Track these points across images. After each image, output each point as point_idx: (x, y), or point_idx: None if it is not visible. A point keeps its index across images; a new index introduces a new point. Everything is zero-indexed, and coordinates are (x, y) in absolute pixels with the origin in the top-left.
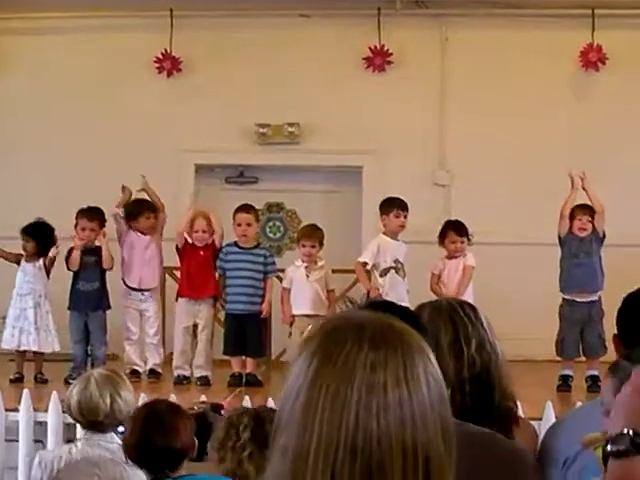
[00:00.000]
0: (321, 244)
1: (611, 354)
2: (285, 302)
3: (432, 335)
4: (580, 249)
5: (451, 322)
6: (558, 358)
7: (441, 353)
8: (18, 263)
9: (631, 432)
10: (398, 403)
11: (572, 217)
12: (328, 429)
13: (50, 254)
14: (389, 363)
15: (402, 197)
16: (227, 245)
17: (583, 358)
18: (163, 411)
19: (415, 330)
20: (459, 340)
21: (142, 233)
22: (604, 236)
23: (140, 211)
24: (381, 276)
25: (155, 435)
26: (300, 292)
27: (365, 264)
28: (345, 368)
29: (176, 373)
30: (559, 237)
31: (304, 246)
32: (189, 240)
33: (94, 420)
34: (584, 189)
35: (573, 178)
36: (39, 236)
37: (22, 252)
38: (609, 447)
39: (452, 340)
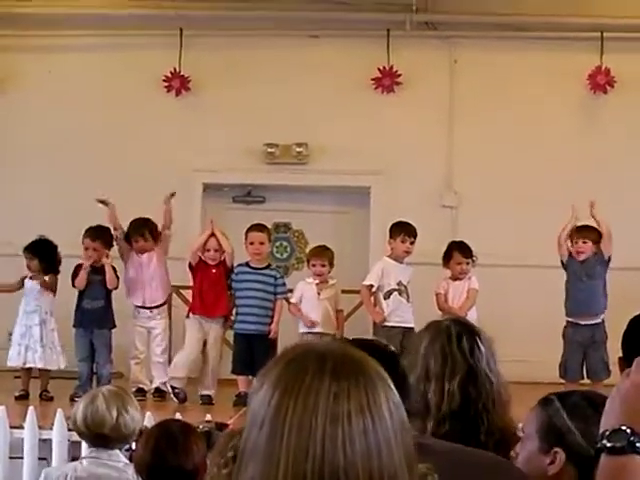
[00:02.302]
0: (331, 264)
1: (615, 377)
2: (298, 313)
3: (423, 366)
4: (583, 272)
5: (442, 355)
6: (563, 381)
7: (428, 385)
8: (21, 287)
9: (628, 430)
10: (363, 433)
11: (571, 241)
12: (295, 460)
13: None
14: (352, 393)
15: (410, 220)
16: (239, 265)
17: (587, 381)
18: (176, 431)
19: (390, 369)
20: (444, 375)
21: (139, 253)
22: (609, 259)
23: (130, 235)
24: (385, 298)
25: (168, 455)
26: (311, 310)
27: (371, 287)
28: (308, 399)
29: (172, 384)
30: (562, 262)
31: (314, 265)
32: (202, 257)
33: (99, 433)
34: (592, 216)
35: (575, 211)
36: (42, 254)
37: (26, 271)
38: (604, 442)
39: (438, 374)
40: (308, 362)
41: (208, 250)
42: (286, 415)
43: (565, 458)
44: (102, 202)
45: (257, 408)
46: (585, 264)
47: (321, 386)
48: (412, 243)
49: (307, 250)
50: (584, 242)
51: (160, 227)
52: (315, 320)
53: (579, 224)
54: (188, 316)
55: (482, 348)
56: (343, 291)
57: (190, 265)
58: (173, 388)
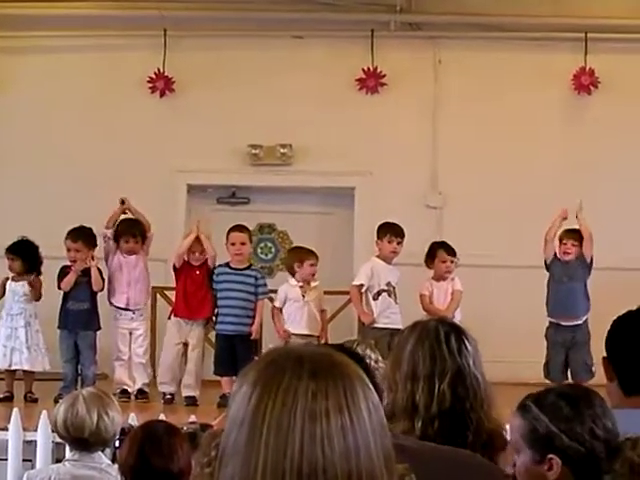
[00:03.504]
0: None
1: (599, 378)
2: (277, 320)
3: (410, 366)
4: (564, 273)
5: (430, 356)
6: (547, 381)
7: (417, 385)
8: (3, 291)
9: None
10: (341, 430)
11: (559, 241)
12: (273, 458)
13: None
14: (330, 391)
15: (395, 221)
16: (219, 266)
17: (571, 381)
18: (161, 432)
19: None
20: (434, 375)
21: (127, 254)
22: (592, 262)
23: (120, 234)
24: (374, 299)
25: (153, 457)
26: (297, 312)
27: (361, 286)
28: (287, 398)
29: (161, 389)
30: (545, 262)
31: (312, 265)
32: (185, 259)
33: (79, 437)
34: (576, 217)
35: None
36: (25, 254)
37: (8, 272)
38: None
39: (428, 374)
40: (286, 363)
41: (193, 252)
42: (265, 414)
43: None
44: (122, 201)
45: (237, 408)
46: (567, 266)
47: (299, 385)
48: (399, 244)
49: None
50: (573, 244)
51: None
52: (291, 332)
53: (568, 227)
54: (170, 318)
55: (469, 348)
56: (328, 292)
57: (174, 267)
58: (164, 394)
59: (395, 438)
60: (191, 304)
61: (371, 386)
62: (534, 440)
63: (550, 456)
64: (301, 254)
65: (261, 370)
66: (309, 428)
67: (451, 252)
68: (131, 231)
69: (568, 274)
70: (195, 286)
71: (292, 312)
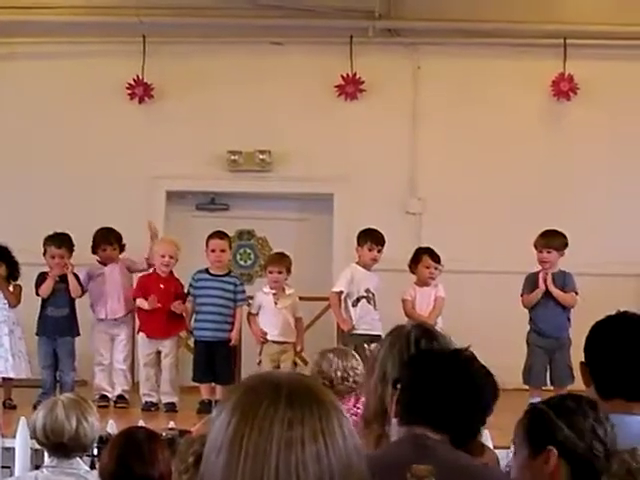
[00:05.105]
0: (288, 271)
1: (578, 383)
2: (254, 325)
3: (381, 370)
4: (550, 301)
5: (399, 359)
6: (526, 387)
7: (386, 389)
8: None
9: None
10: (316, 457)
11: (535, 248)
12: None
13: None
14: (305, 419)
15: (374, 227)
16: (198, 272)
17: (550, 387)
18: (141, 439)
19: None
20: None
21: (103, 261)
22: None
23: (97, 243)
24: (353, 306)
25: (134, 463)
26: (269, 319)
27: (340, 293)
28: (264, 425)
29: (144, 400)
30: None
31: (271, 272)
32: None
33: (58, 442)
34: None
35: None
36: (9, 260)
37: None
38: None
39: (396, 379)
40: (264, 390)
41: (163, 256)
42: (242, 441)
43: (558, 455)
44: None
45: (215, 434)
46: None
47: (276, 413)
48: (379, 251)
49: None
50: (548, 252)
51: (144, 257)
52: (267, 333)
53: (545, 230)
54: (138, 332)
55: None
56: (306, 298)
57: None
58: (146, 403)
59: (425, 439)
60: (157, 324)
61: (345, 413)
62: (536, 434)
63: (549, 447)
64: (267, 261)
65: (240, 397)
66: (285, 455)
67: (436, 258)
68: (107, 239)
69: (555, 301)
70: (162, 302)
71: (266, 319)
